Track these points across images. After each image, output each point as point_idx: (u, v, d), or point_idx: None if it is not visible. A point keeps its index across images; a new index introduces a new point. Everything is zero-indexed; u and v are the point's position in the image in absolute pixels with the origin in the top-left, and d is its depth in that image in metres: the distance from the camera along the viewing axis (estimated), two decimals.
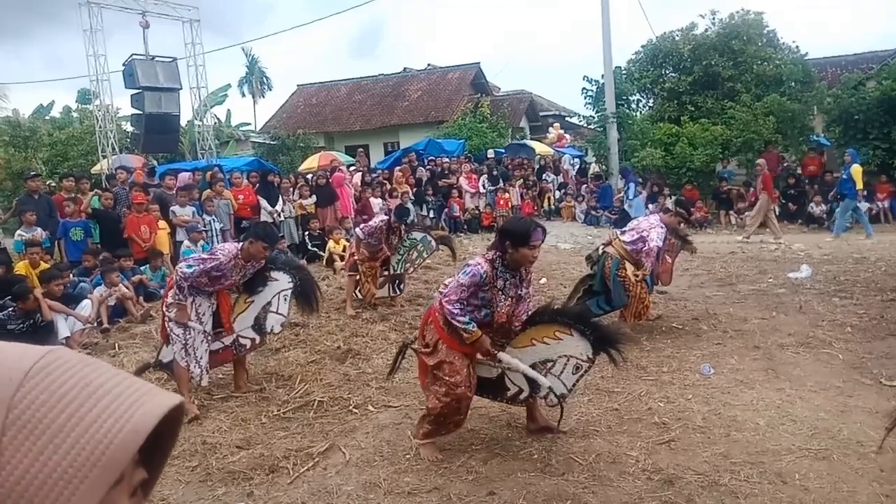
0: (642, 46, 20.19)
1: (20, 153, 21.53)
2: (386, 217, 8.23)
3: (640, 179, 16.56)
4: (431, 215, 15.49)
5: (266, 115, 34.19)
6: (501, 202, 16.75)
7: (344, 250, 10.31)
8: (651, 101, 20.58)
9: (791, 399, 4.74)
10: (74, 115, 29.58)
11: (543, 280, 9.32)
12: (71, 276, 8.34)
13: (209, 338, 5.26)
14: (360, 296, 8.27)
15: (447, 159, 18.04)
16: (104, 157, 16.23)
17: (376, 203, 13.77)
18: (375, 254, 8.04)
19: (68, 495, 0.56)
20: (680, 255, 7.61)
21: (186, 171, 13.46)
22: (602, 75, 18.83)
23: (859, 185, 12.71)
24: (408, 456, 4.12)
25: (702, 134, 16.88)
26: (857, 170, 12.68)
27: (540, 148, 22.10)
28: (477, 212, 16.52)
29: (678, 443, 4.13)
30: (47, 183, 13.50)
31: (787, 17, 71.45)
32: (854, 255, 10.44)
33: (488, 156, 19.19)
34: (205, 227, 10.42)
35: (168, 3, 17.32)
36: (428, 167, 17.24)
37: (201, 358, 5.17)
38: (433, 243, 8.54)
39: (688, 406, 4.70)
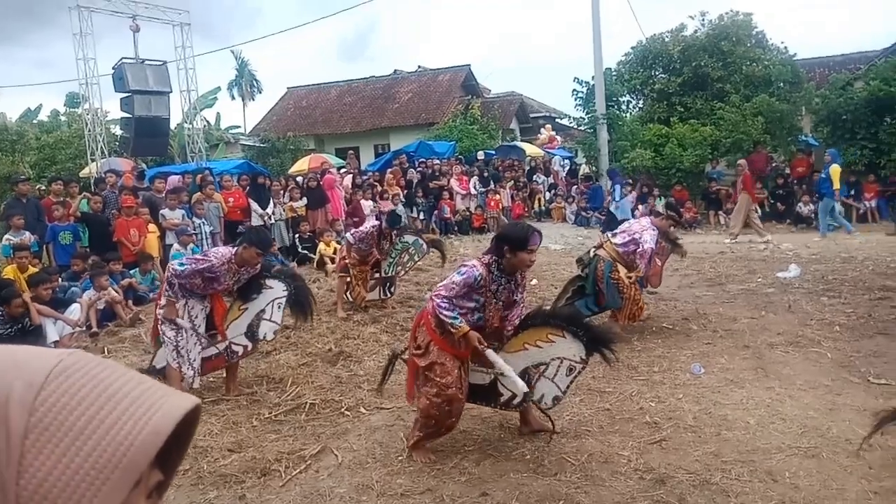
0: (632, 48, 20.28)
1: (7, 157, 21.38)
2: (377, 223, 8.22)
3: (630, 181, 16.63)
4: (422, 217, 15.49)
5: (256, 117, 34.12)
6: (492, 204, 16.77)
7: (335, 253, 10.29)
8: (641, 102, 20.66)
9: (781, 398, 4.77)
10: (63, 118, 29.41)
11: (534, 281, 9.34)
12: (60, 280, 8.29)
13: (202, 340, 5.26)
14: (350, 298, 8.26)
15: (438, 161, 18.04)
16: (93, 160, 16.16)
17: (367, 205, 13.76)
18: (366, 258, 8.03)
19: (90, 497, 0.57)
20: (669, 257, 7.64)
21: (176, 174, 13.41)
22: (592, 77, 18.90)
23: (836, 185, 12.81)
24: (400, 458, 4.11)
25: (691, 135, 16.97)
26: (835, 170, 12.80)
27: (530, 149, 22.16)
28: (468, 213, 16.53)
29: (669, 442, 4.14)
30: (36, 187, 13.41)
31: (777, 18, 71.89)
32: (842, 255, 10.52)
33: (478, 157, 19.21)
34: (194, 230, 10.38)
35: (158, 7, 17.29)
36: (419, 169, 17.24)
37: (194, 360, 5.16)
38: (424, 246, 8.54)
39: (679, 405, 4.72)
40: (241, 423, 4.80)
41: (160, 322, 5.20)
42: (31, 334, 6.94)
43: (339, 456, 4.21)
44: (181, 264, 5.11)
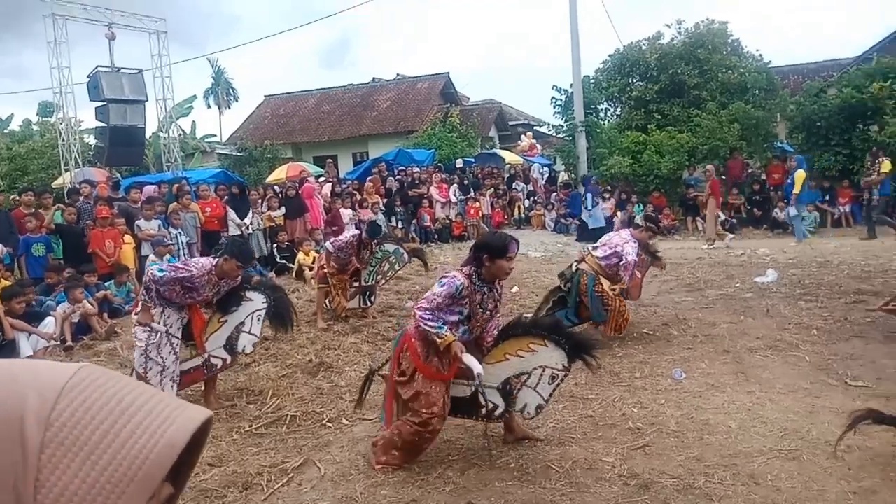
0: (610, 56, 20.49)
1: None
2: (357, 232, 8.17)
3: (608, 188, 16.75)
4: (401, 226, 15.45)
5: (232, 126, 33.94)
6: (472, 211, 16.79)
7: (314, 262, 10.22)
8: (619, 109, 20.86)
9: (761, 401, 4.81)
10: (35, 128, 28.97)
11: (515, 289, 9.35)
12: (34, 293, 8.13)
13: (177, 346, 5.20)
14: (330, 306, 8.19)
15: (417, 169, 18.03)
16: (67, 170, 15.92)
17: (346, 213, 13.70)
18: (345, 267, 7.98)
19: None
20: (649, 269, 7.67)
21: (152, 184, 13.26)
22: (571, 84, 19.03)
23: (796, 190, 13.02)
24: (384, 469, 4.07)
25: (668, 142, 17.13)
26: (800, 175, 13.01)
27: (510, 157, 22.24)
28: (448, 221, 16.53)
29: (653, 447, 4.16)
30: (11, 198, 13.16)
31: (751, 25, 72.99)
32: (818, 259, 10.66)
33: (457, 165, 19.24)
34: (171, 240, 10.25)
35: (135, 15, 17.13)
36: (398, 177, 17.21)
37: (170, 367, 5.09)
38: (405, 256, 8.51)
39: (661, 411, 4.74)
40: (220, 437, 4.73)
41: (133, 325, 5.13)
42: (4, 349, 6.80)
43: (321, 468, 4.16)
44: (160, 270, 5.06)
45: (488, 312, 4.10)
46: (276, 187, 14.85)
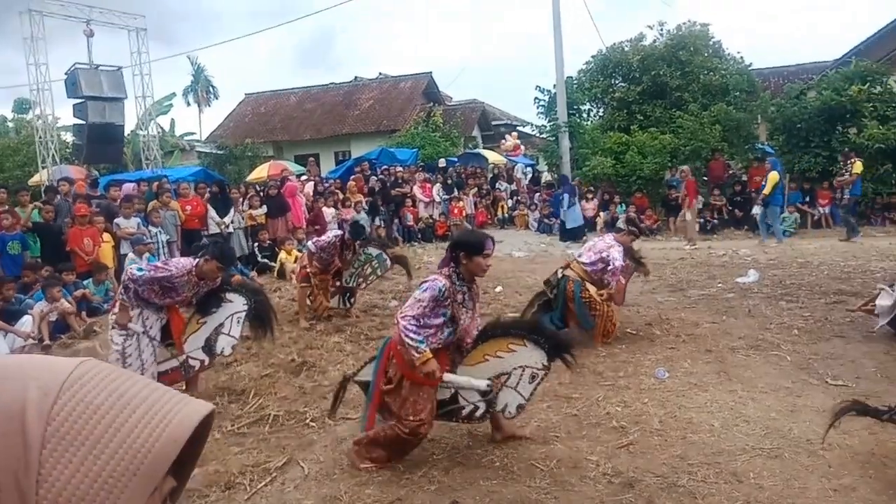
0: (592, 57, 20.55)
1: None
2: (340, 233, 8.12)
3: (591, 189, 16.82)
4: (382, 225, 15.38)
5: (212, 124, 33.75)
6: (455, 211, 16.78)
7: (296, 261, 10.15)
8: (601, 110, 20.95)
9: (743, 400, 4.84)
10: (10, 125, 28.56)
11: (499, 288, 9.35)
12: (11, 292, 8.00)
13: (156, 347, 5.14)
14: (311, 305, 8.12)
15: (400, 168, 17.99)
16: (44, 167, 15.67)
17: (329, 212, 13.63)
18: (328, 267, 7.93)
19: None
20: (632, 275, 7.67)
21: (131, 181, 13.10)
22: (554, 85, 19.09)
23: (766, 191, 13.13)
24: (368, 468, 4.04)
25: (651, 143, 17.24)
26: (772, 177, 13.12)
27: (493, 157, 22.26)
28: (431, 221, 16.50)
29: (637, 446, 4.17)
30: None
31: (733, 27, 73.79)
32: (798, 260, 10.77)
33: (439, 164, 19.22)
34: (151, 239, 10.13)
35: (113, 12, 16.88)
36: (380, 177, 17.14)
37: (148, 368, 5.03)
38: (388, 262, 8.45)
39: (644, 410, 4.75)
40: None
41: (110, 327, 5.07)
42: None
43: (305, 467, 4.13)
44: (139, 269, 5.01)
45: (470, 311, 4.09)
46: (257, 186, 14.74)
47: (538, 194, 18.58)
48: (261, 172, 18.09)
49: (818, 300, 7.85)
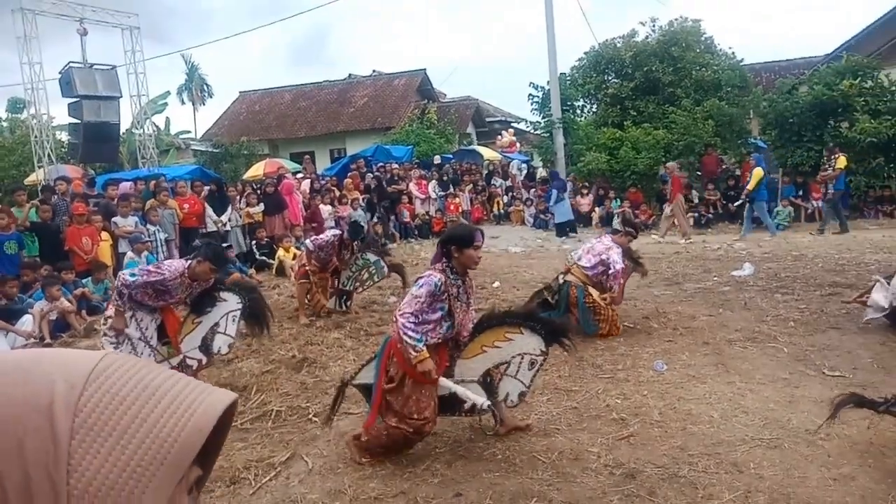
0: (585, 53, 20.59)
1: None
2: (338, 233, 8.12)
3: (586, 185, 16.86)
4: (379, 222, 15.37)
5: (207, 122, 33.60)
6: (451, 207, 16.82)
7: (294, 258, 10.16)
8: (595, 106, 20.98)
9: (742, 392, 4.89)
10: (5, 124, 28.44)
11: (496, 284, 9.39)
12: (14, 289, 8.00)
13: (155, 351, 5.15)
14: (309, 303, 8.14)
15: (396, 165, 18.01)
16: (40, 167, 15.63)
17: (326, 210, 13.65)
18: (326, 265, 7.95)
19: (139, 494, 0.58)
20: (630, 276, 7.70)
21: (128, 180, 13.09)
22: (548, 81, 19.12)
23: (750, 186, 13.27)
24: (372, 462, 4.08)
25: (644, 138, 17.29)
26: (757, 173, 13.25)
27: (488, 153, 22.30)
28: (427, 217, 16.53)
29: (637, 437, 4.21)
30: None
31: (724, 23, 73.75)
32: (793, 253, 10.85)
33: (435, 161, 19.23)
34: (149, 237, 10.14)
35: (107, 11, 16.83)
36: (376, 174, 17.15)
37: None
38: (385, 269, 8.44)
39: (644, 402, 4.80)
40: None
41: (101, 334, 5.08)
42: None
43: (309, 462, 4.16)
44: (132, 274, 5.01)
45: (465, 305, 4.13)
46: (254, 184, 14.74)
47: (533, 190, 18.64)
48: (257, 170, 18.10)
49: (813, 292, 7.92)
